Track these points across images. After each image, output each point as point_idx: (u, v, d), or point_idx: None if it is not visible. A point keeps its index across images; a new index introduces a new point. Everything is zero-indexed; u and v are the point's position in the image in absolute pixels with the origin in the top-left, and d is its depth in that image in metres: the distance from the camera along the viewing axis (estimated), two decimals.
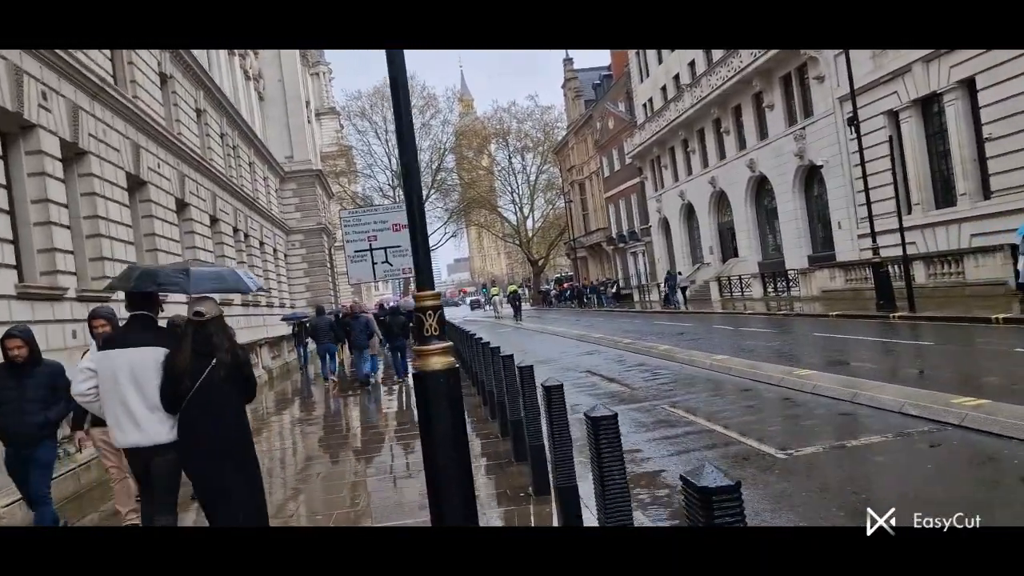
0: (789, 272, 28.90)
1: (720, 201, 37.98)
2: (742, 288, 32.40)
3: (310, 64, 60.33)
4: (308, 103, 47.95)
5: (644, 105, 45.98)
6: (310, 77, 58.32)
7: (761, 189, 33.80)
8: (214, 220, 24.34)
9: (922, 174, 22.80)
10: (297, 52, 43.83)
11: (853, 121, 19.32)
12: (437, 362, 4.72)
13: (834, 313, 20.32)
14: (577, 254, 64.84)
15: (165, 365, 4.54)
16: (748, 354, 13.62)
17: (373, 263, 21.93)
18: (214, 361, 4.54)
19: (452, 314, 48.35)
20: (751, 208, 34.53)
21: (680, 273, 38.79)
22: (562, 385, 5.15)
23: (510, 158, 69.66)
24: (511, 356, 7.72)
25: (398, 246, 22.18)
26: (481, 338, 12.07)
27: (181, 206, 20.94)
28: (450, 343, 4.87)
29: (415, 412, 13.64)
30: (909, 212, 23.11)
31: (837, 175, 26.74)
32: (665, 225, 45.20)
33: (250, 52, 36.79)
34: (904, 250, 18.21)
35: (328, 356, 18.49)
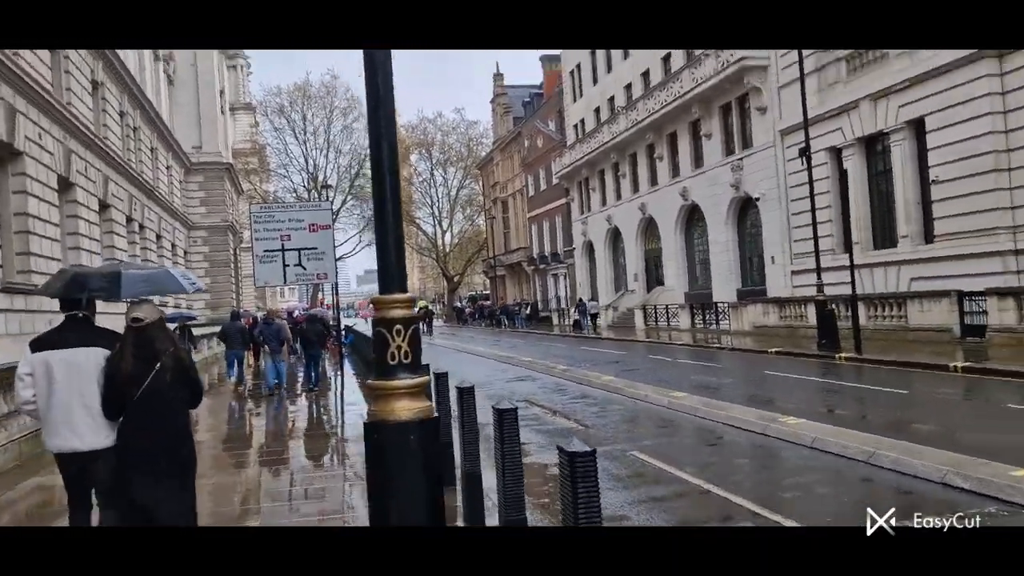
0: (719, 304, 28.19)
1: (648, 228, 37.30)
2: (668, 318, 31.58)
3: (228, 55, 57.17)
4: (223, 92, 44.96)
5: (576, 126, 45.16)
6: (227, 68, 55.16)
7: (692, 218, 33.23)
8: (104, 206, 21.63)
9: (863, 213, 22.40)
10: None
11: (805, 152, 18.57)
12: (406, 408, 3.04)
13: (772, 350, 19.46)
14: (496, 272, 63.43)
15: (107, 371, 4.35)
16: (705, 392, 12.34)
17: (284, 265, 19.71)
18: (158, 366, 4.34)
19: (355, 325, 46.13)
20: (681, 237, 33.91)
21: (594, 300, 39.62)
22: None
23: (432, 170, 68.05)
24: (471, 389, 6.00)
25: (314, 248, 20.06)
26: None
27: (65, 186, 18.29)
28: (426, 378, 3.18)
29: (326, 421, 12.46)
30: (848, 251, 22.65)
31: (773, 209, 26.24)
32: (589, 249, 44.32)
33: None
34: (853, 288, 17.48)
35: (236, 362, 17.68)
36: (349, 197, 58.24)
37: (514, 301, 54.41)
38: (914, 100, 19.85)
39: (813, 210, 18.79)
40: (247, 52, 77.54)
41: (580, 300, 40.13)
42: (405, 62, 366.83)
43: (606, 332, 34.15)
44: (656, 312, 32.77)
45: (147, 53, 30.61)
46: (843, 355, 16.82)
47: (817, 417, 9.40)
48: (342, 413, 12.93)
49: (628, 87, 38.14)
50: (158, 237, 29.03)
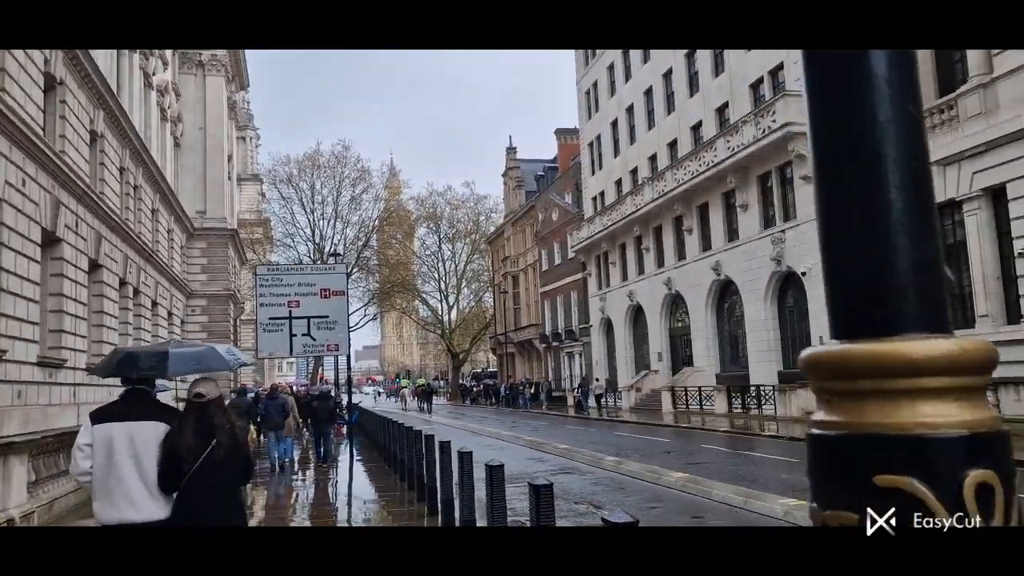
0: (762, 388, 25.87)
1: (675, 304, 35.28)
2: (701, 401, 29.18)
3: (238, 125, 56.48)
4: (230, 158, 43.65)
5: (594, 198, 43.71)
6: (236, 139, 54.25)
7: (725, 294, 31.23)
8: (96, 266, 19.59)
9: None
10: (224, 102, 39.87)
11: None
12: None
13: None
14: (505, 350, 61.08)
15: (165, 444, 4.46)
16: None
17: (291, 335, 17.42)
18: (215, 441, 4.49)
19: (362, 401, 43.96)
20: (712, 314, 31.81)
21: (597, 380, 39.27)
22: None
23: (440, 244, 66.58)
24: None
25: (325, 316, 17.78)
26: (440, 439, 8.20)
27: (50, 241, 16.29)
28: None
29: (333, 497, 12.85)
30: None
31: (821, 285, 24.09)
32: (608, 326, 42.21)
33: (171, 91, 32.63)
34: None
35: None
36: (355, 269, 56.45)
37: (521, 380, 51.98)
38: (992, 166, 18.07)
39: None
40: (255, 124, 77.61)
41: (583, 380, 39.64)
42: (417, 137, 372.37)
43: (628, 415, 31.68)
44: (687, 394, 30.38)
45: (155, 112, 29.20)
46: None
47: None
48: (350, 494, 12.62)
49: (652, 158, 36.78)
50: (154, 304, 26.91)
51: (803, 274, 24.87)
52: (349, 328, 19.31)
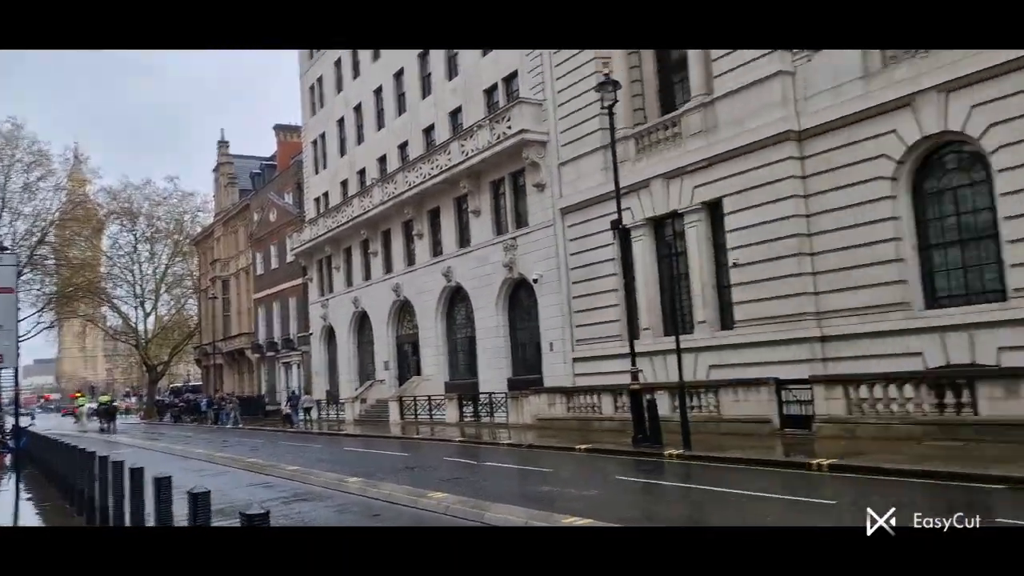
0: (493, 395, 25.60)
1: (403, 311, 34.16)
2: (431, 410, 28.29)
3: None
4: None
5: (317, 199, 41.24)
6: None
7: (455, 301, 30.75)
8: None
9: (652, 296, 21.33)
10: None
11: (617, 224, 16.90)
12: None
13: (581, 447, 17.05)
14: (213, 361, 55.67)
15: None
16: (565, 509, 9.23)
17: None
18: None
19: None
20: (442, 322, 31.15)
21: (308, 394, 38.97)
22: None
23: (136, 244, 59.09)
24: None
25: None
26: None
27: None
28: None
29: None
30: (637, 337, 21.39)
31: (552, 291, 24.57)
32: (330, 334, 39.94)
33: None
34: (680, 375, 15.75)
35: None
36: (27, 268, 47.77)
37: (223, 395, 47.58)
38: (711, 181, 19.32)
39: (629, 291, 17.03)
40: None
41: (293, 393, 38.98)
42: (112, 125, 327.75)
43: (353, 428, 29.94)
44: (416, 404, 29.32)
45: None
46: (672, 452, 14.84)
47: None
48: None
49: (382, 159, 35.41)
50: None
51: (535, 281, 25.05)
52: (18, 336, 15.49)
